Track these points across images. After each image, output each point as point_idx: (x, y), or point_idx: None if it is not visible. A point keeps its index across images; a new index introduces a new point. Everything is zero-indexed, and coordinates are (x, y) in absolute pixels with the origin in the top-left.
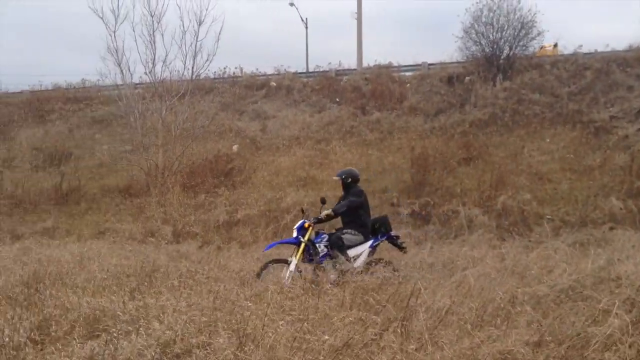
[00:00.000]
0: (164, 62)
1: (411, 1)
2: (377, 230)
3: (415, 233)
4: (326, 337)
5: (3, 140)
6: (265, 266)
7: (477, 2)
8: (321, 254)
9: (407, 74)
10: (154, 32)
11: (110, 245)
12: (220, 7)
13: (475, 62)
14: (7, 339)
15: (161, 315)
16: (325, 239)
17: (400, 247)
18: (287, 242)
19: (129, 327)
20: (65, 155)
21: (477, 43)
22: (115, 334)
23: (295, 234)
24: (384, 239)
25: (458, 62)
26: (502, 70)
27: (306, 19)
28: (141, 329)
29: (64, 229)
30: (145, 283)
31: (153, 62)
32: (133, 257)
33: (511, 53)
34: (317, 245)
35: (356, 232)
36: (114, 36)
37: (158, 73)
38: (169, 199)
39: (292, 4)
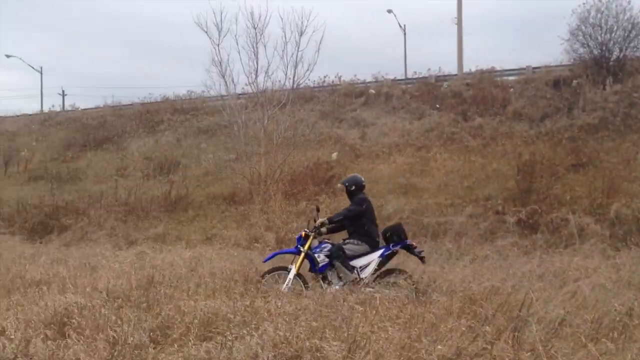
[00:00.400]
0: (266, 73)
1: (513, 4)
2: (390, 239)
3: (522, 242)
4: (439, 346)
5: (117, 151)
6: (263, 275)
7: (583, 4)
8: (321, 264)
9: (510, 78)
10: (256, 43)
11: (218, 251)
12: (321, 17)
13: (582, 65)
14: (129, 339)
15: (271, 318)
16: (326, 249)
17: (419, 257)
18: (287, 252)
19: (242, 330)
20: (174, 164)
21: (585, 45)
22: (229, 336)
23: (297, 244)
24: (396, 248)
25: (564, 65)
26: (612, 73)
27: (404, 25)
28: (252, 331)
29: (174, 235)
30: (252, 287)
31: (256, 73)
32: (239, 263)
33: (621, 55)
34: (316, 255)
35: (359, 242)
36: (218, 49)
37: (260, 83)
38: (272, 207)
39: (390, 11)
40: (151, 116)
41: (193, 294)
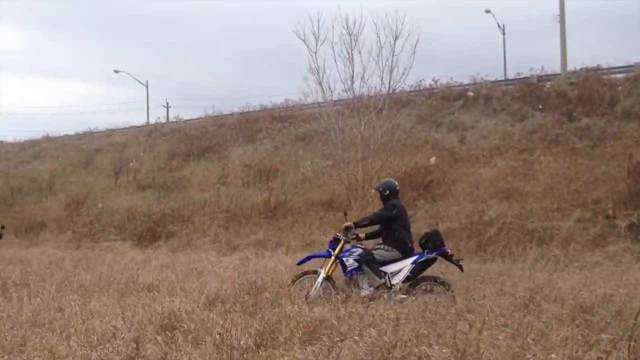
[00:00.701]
0: (361, 79)
1: None
2: (425, 246)
3: (635, 247)
4: (552, 355)
5: (218, 159)
6: (297, 278)
7: None
8: (350, 268)
9: (618, 75)
10: (352, 50)
11: None
12: (415, 19)
13: None
14: (237, 342)
15: (374, 324)
16: (356, 254)
17: (457, 265)
18: (319, 256)
19: (347, 336)
20: (273, 171)
21: None
22: (334, 341)
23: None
24: (431, 255)
25: None
26: None
27: (503, 25)
28: (357, 337)
29: (274, 241)
30: (354, 293)
31: (351, 79)
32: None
33: None
34: (345, 259)
35: (390, 248)
36: (315, 57)
37: (356, 89)
38: (370, 212)
39: (488, 11)
40: (250, 125)
41: (296, 300)
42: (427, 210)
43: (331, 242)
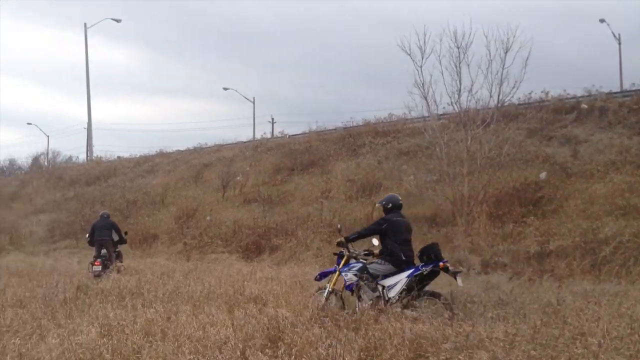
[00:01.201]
0: (469, 92)
1: None
2: (421, 259)
3: None
4: None
5: (321, 174)
6: (315, 292)
7: None
8: (348, 282)
9: None
10: (459, 63)
11: None
12: (526, 29)
13: None
14: (341, 358)
15: (483, 345)
16: (355, 268)
17: (454, 276)
18: (328, 272)
19: (455, 356)
20: (375, 185)
21: None
22: None
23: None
24: (425, 268)
25: None
26: None
27: (619, 34)
28: (463, 357)
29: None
30: (460, 312)
31: (458, 93)
32: (446, 287)
33: None
34: (344, 273)
35: (383, 262)
36: (421, 70)
37: (463, 103)
38: (476, 229)
39: (602, 20)
40: (353, 140)
41: (399, 317)
42: (536, 227)
43: (338, 257)
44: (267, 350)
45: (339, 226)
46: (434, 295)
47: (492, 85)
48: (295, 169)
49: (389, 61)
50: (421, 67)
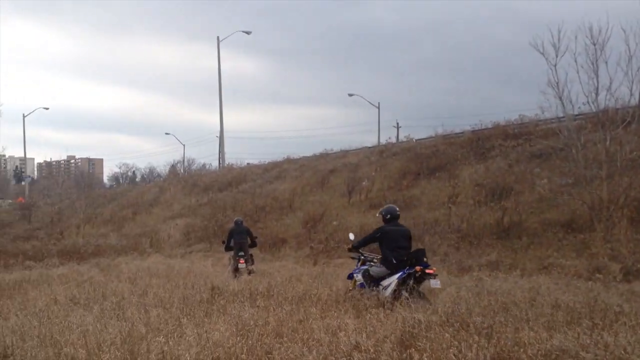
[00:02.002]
0: (607, 90)
1: None
2: (410, 262)
3: None
4: None
5: (448, 178)
6: (349, 290)
7: None
8: (358, 282)
9: None
10: (596, 60)
11: (556, 280)
12: None
13: None
14: None
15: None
16: (361, 271)
17: (429, 281)
18: (351, 274)
19: None
20: (506, 190)
21: None
22: None
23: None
24: (410, 271)
25: None
26: None
27: None
28: None
29: (507, 263)
30: (600, 321)
31: (596, 92)
32: (582, 294)
33: None
34: (355, 275)
35: (380, 265)
36: (555, 69)
37: (601, 102)
38: (616, 235)
39: None
40: (482, 143)
41: (534, 325)
42: None
43: (357, 261)
44: (395, 354)
45: (352, 236)
46: (420, 295)
47: (632, 83)
48: (421, 173)
49: (521, 61)
50: (555, 65)
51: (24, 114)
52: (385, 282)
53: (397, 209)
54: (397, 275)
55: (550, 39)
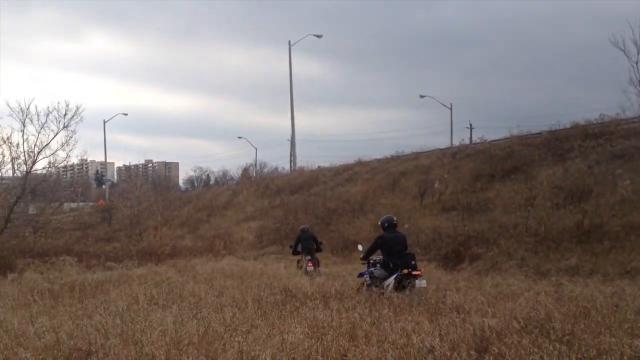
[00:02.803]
0: None
1: None
2: (402, 265)
3: None
4: None
5: (525, 180)
6: (360, 287)
7: None
8: (367, 283)
9: None
10: None
11: None
12: None
13: None
14: None
15: None
16: (369, 273)
17: (413, 279)
18: (364, 273)
19: None
20: (586, 192)
21: None
22: None
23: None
24: (400, 274)
25: None
26: None
27: None
28: None
29: (587, 267)
30: None
31: None
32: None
33: None
34: (365, 276)
35: (380, 268)
36: (637, 67)
37: None
38: None
39: None
40: (560, 143)
41: (616, 332)
42: None
43: (367, 264)
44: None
45: (360, 247)
46: (411, 291)
47: None
48: (495, 175)
49: (600, 59)
50: (637, 63)
51: (104, 120)
52: (386, 282)
53: (395, 218)
54: (394, 276)
55: (631, 35)
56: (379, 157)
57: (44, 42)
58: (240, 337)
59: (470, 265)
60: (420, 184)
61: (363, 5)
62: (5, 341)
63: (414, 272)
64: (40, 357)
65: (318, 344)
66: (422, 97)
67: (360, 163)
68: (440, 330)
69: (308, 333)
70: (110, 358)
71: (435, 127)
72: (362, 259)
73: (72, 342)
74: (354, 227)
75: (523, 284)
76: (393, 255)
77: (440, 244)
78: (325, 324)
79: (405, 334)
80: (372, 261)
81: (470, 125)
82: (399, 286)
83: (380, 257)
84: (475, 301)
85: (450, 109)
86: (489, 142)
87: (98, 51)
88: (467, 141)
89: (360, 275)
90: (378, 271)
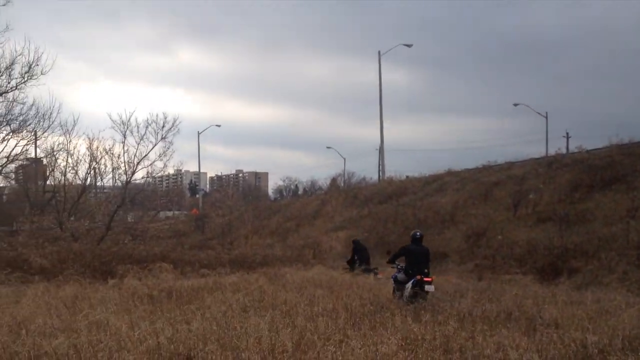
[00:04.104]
0: None
1: None
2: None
3: None
4: None
5: (626, 191)
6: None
7: None
8: (393, 286)
9: None
10: None
11: None
12: None
13: None
14: None
15: None
16: (395, 277)
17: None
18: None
19: None
20: None
21: None
22: None
23: None
24: (415, 280)
25: None
26: None
27: None
28: None
29: None
30: None
31: None
32: None
33: None
34: (393, 280)
35: (402, 273)
36: None
37: None
38: None
39: None
40: None
41: None
42: None
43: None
44: None
45: (388, 251)
46: (423, 297)
47: None
48: (595, 185)
49: None
50: None
51: (198, 132)
52: (407, 285)
53: (419, 232)
54: (411, 282)
55: None
56: (469, 167)
57: (138, 57)
58: (333, 347)
59: (569, 279)
60: (514, 194)
61: (450, 13)
62: (111, 345)
63: (425, 279)
64: None
65: (412, 356)
66: (515, 105)
67: (450, 173)
68: (538, 346)
69: (401, 345)
70: None
71: (527, 136)
72: (387, 262)
73: (172, 346)
74: (443, 239)
75: (626, 299)
76: (414, 264)
77: (536, 256)
78: (419, 336)
79: (501, 348)
80: (399, 267)
81: (567, 134)
82: (415, 287)
83: (401, 263)
84: (574, 317)
85: (546, 117)
86: (587, 151)
87: (186, 65)
88: (563, 150)
89: (393, 277)
90: (401, 276)
